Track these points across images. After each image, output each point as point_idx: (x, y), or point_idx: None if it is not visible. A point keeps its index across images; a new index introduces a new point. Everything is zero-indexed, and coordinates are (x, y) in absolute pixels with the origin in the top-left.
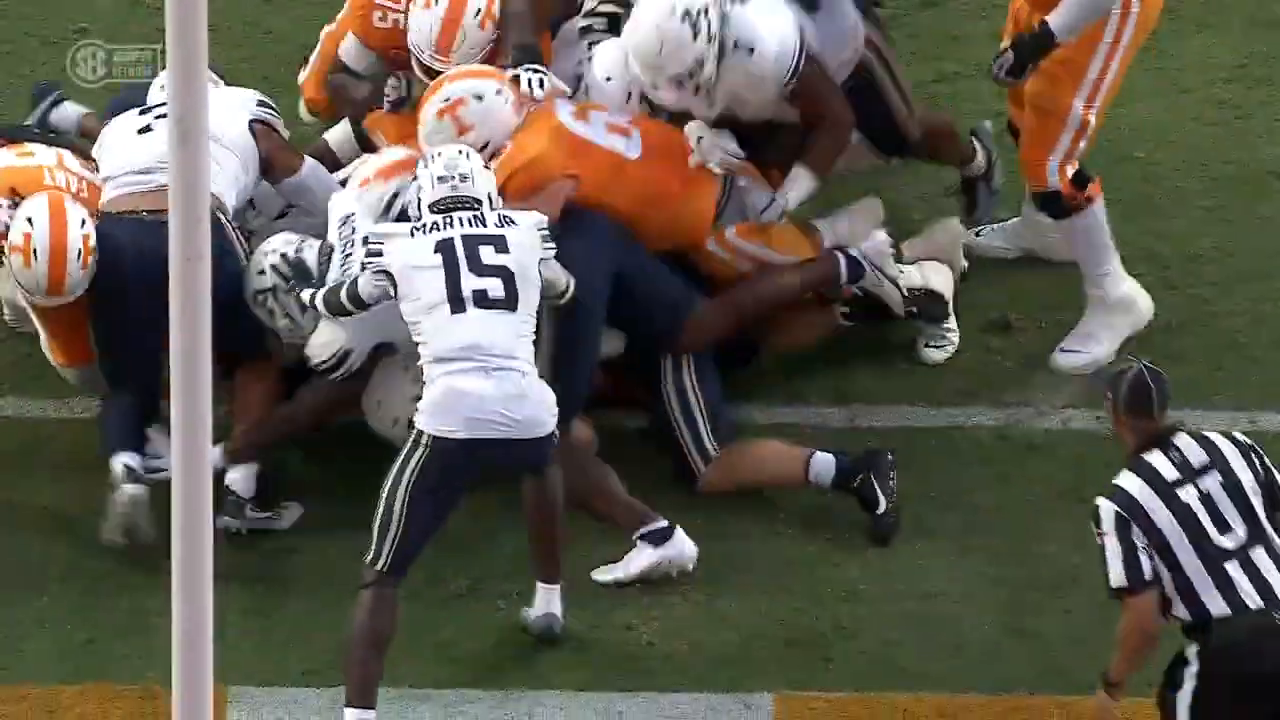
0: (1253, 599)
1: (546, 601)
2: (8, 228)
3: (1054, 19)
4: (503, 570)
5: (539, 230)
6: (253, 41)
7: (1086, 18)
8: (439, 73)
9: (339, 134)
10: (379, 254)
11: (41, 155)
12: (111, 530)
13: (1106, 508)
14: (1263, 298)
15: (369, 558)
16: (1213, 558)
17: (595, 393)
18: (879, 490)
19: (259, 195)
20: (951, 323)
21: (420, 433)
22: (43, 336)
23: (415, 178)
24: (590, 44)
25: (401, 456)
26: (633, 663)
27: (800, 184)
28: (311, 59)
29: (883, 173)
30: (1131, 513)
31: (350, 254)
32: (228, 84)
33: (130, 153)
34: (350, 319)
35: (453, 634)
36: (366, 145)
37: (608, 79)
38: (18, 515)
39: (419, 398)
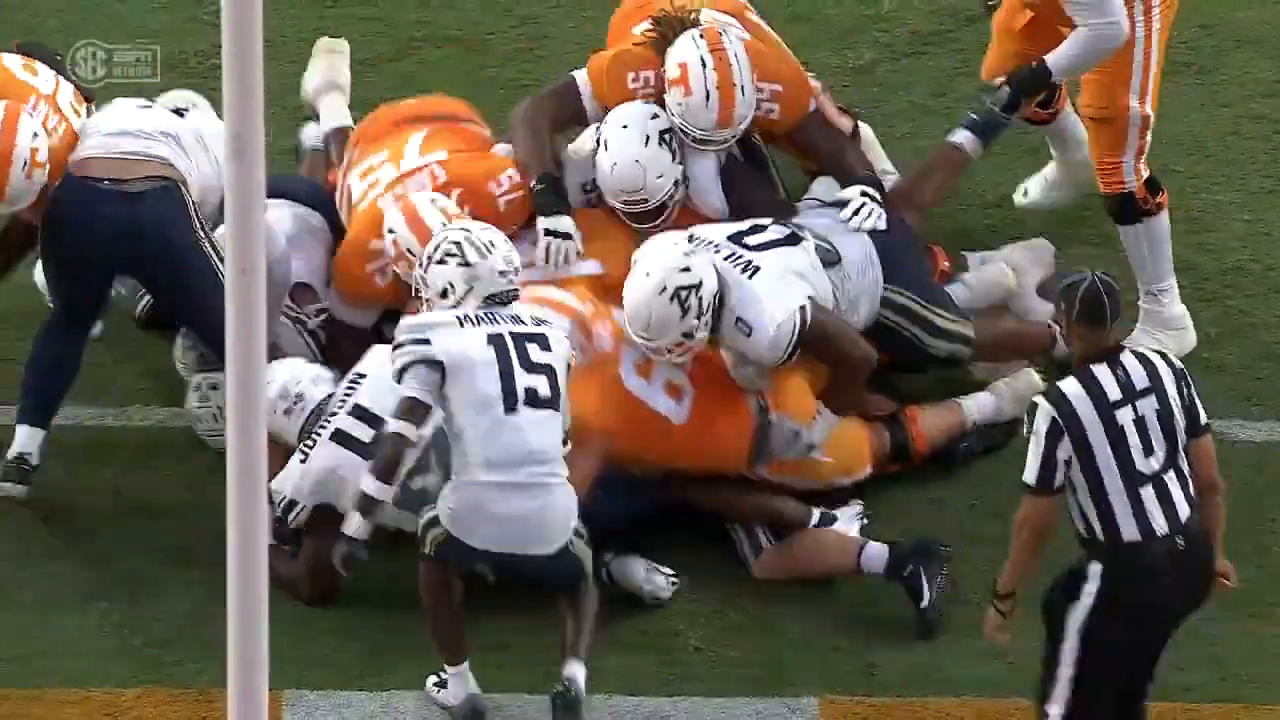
0: (1160, 525)
1: (573, 672)
2: None
3: (1054, 59)
4: None
5: (565, 337)
6: (309, 57)
7: (1087, 62)
8: None
9: (311, 131)
10: (426, 342)
11: (43, 80)
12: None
13: (1045, 410)
14: None
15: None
16: (1133, 480)
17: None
18: (925, 584)
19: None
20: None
21: (437, 520)
22: None
23: (442, 260)
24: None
25: (422, 523)
26: (680, 667)
27: (824, 422)
28: None
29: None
30: (1068, 424)
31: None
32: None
33: (112, 114)
34: (297, 471)
35: (504, 637)
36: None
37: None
38: (78, 522)
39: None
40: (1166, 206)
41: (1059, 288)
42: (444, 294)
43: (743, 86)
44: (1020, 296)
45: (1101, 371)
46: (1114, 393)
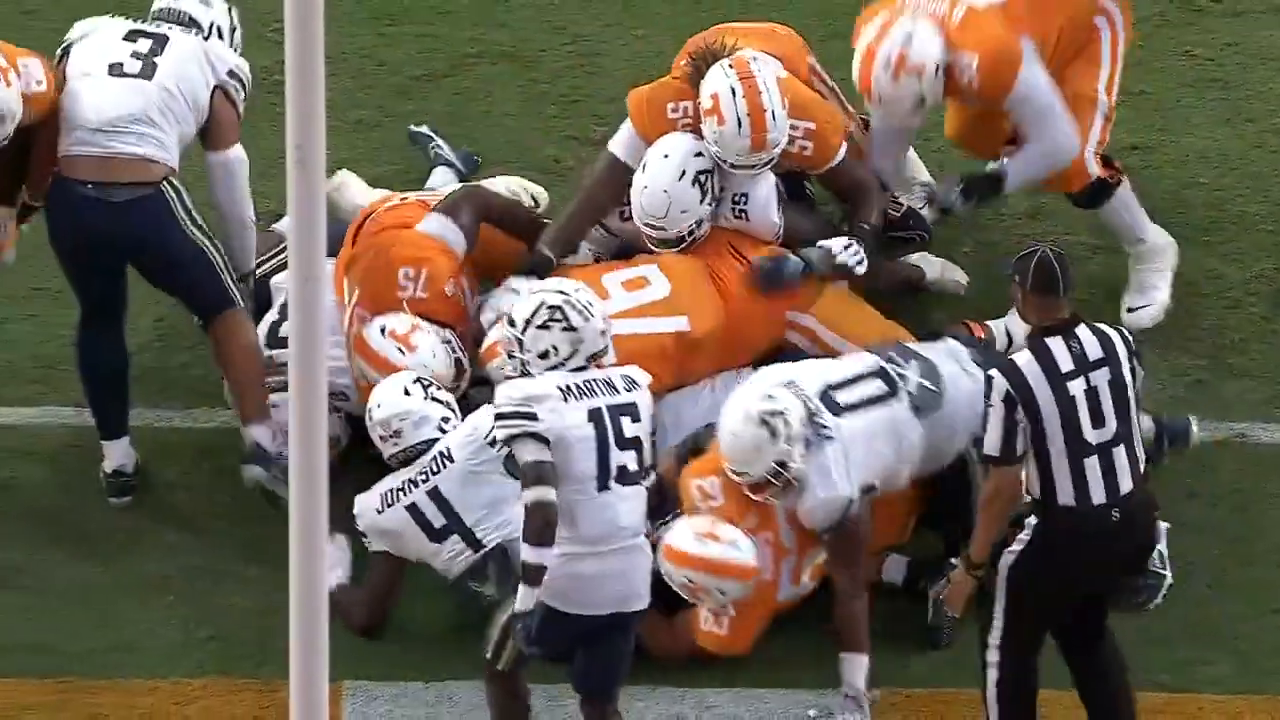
0: (1099, 496)
1: None
2: None
3: (1012, 170)
4: None
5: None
6: (367, 73)
7: (1039, 178)
8: None
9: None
10: (532, 417)
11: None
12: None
13: (999, 383)
14: None
15: (488, 655)
16: (1076, 452)
17: None
18: (930, 602)
19: None
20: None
21: (507, 636)
22: None
23: (545, 325)
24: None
25: (493, 641)
26: (724, 659)
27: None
28: None
29: None
30: (1020, 394)
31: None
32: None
33: (93, 99)
34: (370, 515)
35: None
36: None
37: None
38: (146, 520)
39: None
40: (1121, 169)
41: (1014, 261)
42: (545, 355)
43: (773, 111)
44: None
45: (1055, 343)
46: (1066, 364)
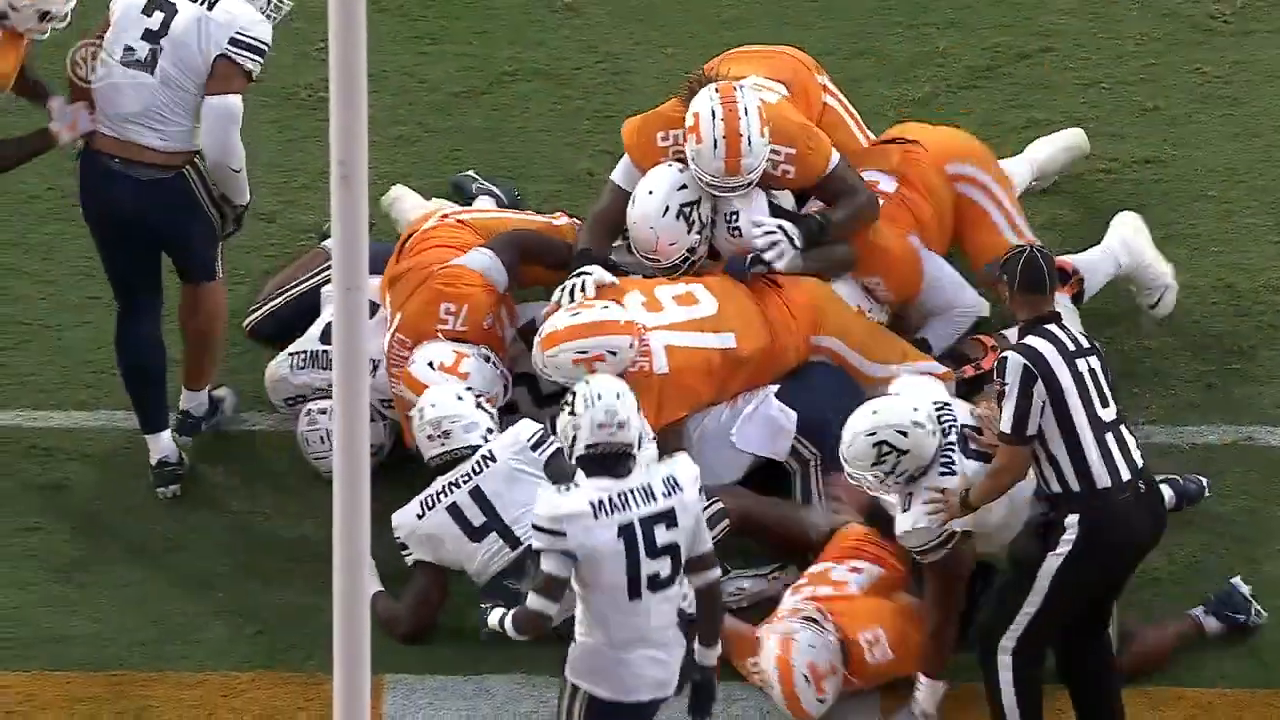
0: (1125, 471)
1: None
2: None
3: (933, 339)
4: None
5: (697, 482)
6: (408, 90)
7: (955, 336)
8: None
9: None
10: (562, 535)
11: None
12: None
13: (1015, 360)
14: None
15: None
16: (1098, 426)
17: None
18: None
19: None
20: None
21: (574, 686)
22: None
23: (566, 409)
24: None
25: (564, 700)
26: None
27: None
28: None
29: None
30: (1038, 366)
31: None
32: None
33: (108, 93)
34: (410, 523)
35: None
36: None
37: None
38: (194, 519)
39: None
40: (1080, 282)
41: (1001, 263)
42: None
43: (749, 138)
44: None
45: (1054, 329)
46: (1070, 345)
